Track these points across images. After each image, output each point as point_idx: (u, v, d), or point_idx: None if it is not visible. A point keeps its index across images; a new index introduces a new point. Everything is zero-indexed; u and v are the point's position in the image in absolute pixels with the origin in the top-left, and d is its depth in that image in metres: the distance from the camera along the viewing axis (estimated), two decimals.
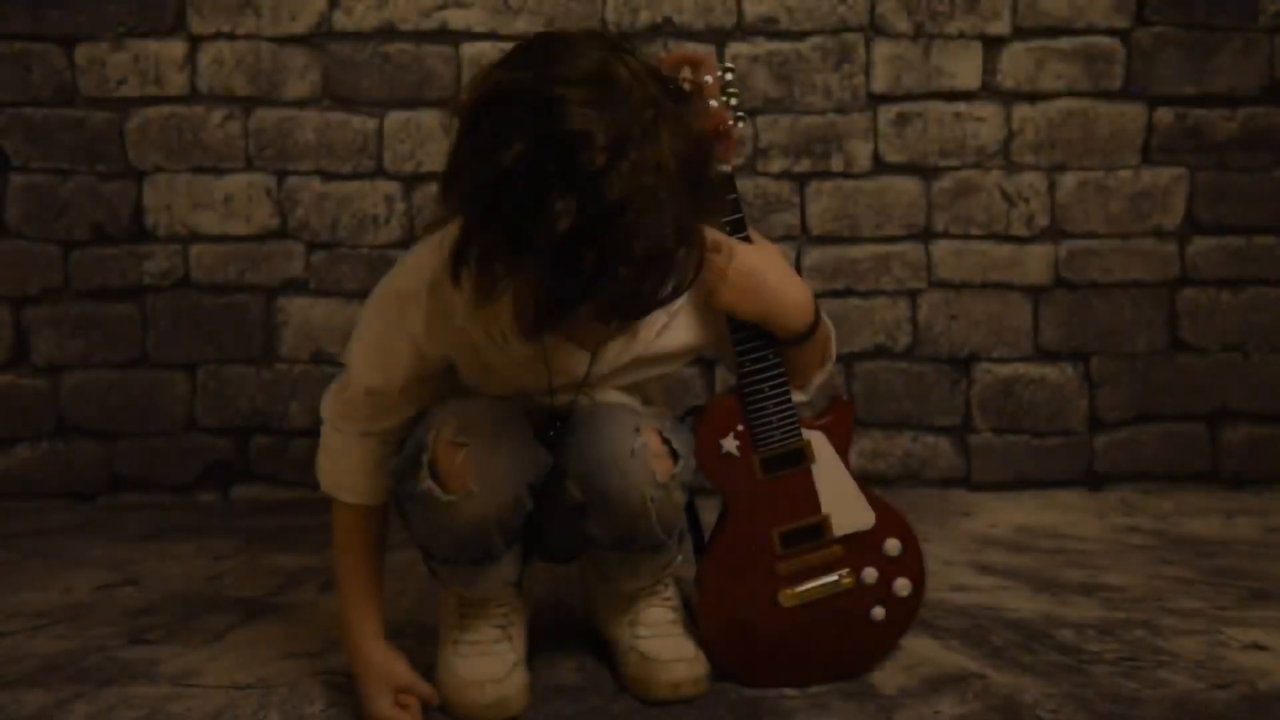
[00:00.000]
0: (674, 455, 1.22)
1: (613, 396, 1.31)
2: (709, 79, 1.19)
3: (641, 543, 1.24)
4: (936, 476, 2.28)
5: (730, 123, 1.21)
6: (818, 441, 1.29)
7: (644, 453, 1.20)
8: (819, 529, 1.28)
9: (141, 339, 2.23)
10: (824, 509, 1.29)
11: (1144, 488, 2.28)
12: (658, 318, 1.24)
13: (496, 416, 1.22)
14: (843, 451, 1.31)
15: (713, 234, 1.15)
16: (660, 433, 1.22)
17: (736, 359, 1.25)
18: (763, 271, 1.22)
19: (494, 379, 1.26)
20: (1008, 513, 2.12)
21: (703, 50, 1.20)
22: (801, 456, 1.28)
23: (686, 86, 1.15)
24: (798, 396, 1.30)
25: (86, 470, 2.24)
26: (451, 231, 1.04)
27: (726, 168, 1.23)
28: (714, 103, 1.19)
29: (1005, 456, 2.28)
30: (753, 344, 1.25)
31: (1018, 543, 1.91)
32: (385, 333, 1.23)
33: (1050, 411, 2.28)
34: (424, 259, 1.20)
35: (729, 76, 1.22)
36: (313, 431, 2.05)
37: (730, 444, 1.26)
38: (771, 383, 1.26)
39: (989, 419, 2.28)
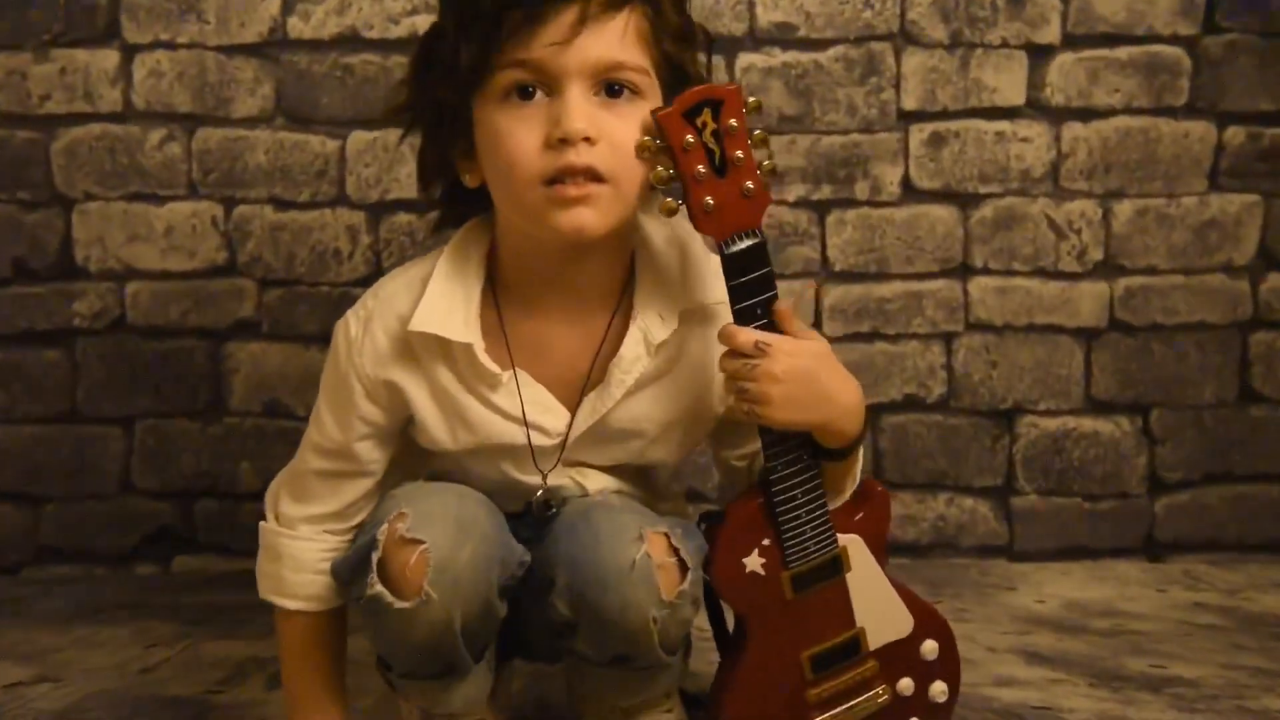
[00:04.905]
0: (682, 566, 1.16)
1: (610, 487, 1.28)
2: (734, 124, 1.10)
3: (640, 663, 1.20)
4: (975, 544, 2.23)
5: (762, 176, 1.13)
6: (853, 546, 1.23)
7: (647, 565, 1.14)
8: (854, 646, 1.24)
9: (71, 389, 2.18)
10: (858, 621, 1.23)
11: (1211, 558, 2.23)
12: (629, 366, 1.22)
13: (462, 507, 1.18)
14: (879, 550, 1.26)
15: (754, 334, 1.11)
16: (668, 538, 1.17)
17: (764, 461, 1.19)
18: (817, 374, 1.15)
19: (465, 436, 1.24)
20: (1056, 586, 2.08)
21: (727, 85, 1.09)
22: (837, 567, 1.22)
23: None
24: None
25: (8, 539, 2.19)
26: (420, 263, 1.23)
27: (757, 237, 1.13)
28: (739, 154, 1.11)
29: (1053, 522, 2.23)
30: (784, 443, 1.18)
31: (1069, 623, 1.86)
32: (335, 373, 1.26)
33: (1104, 471, 2.23)
34: (383, 284, 1.25)
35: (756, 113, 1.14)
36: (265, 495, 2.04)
37: (755, 562, 1.20)
38: (805, 487, 1.19)
39: (1034, 479, 2.23)
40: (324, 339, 2.09)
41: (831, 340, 1.21)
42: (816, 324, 2.16)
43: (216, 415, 2.18)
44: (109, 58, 2.14)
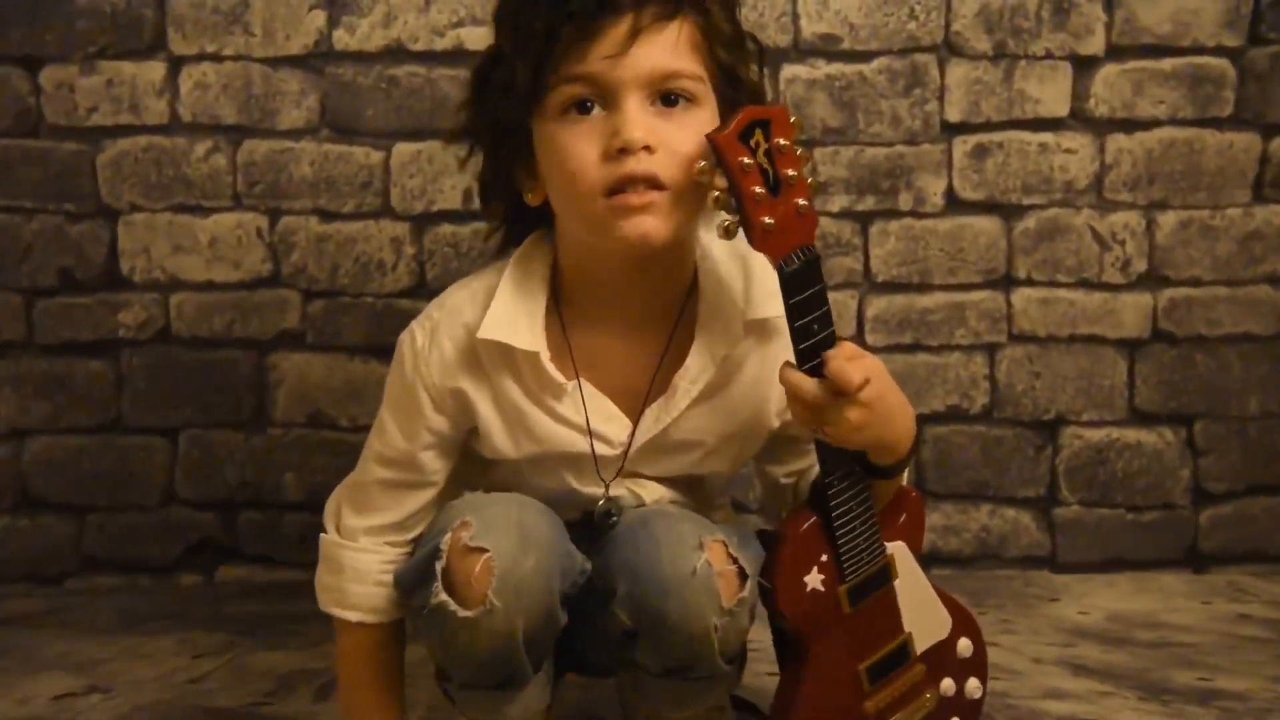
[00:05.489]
0: (741, 574, 1.16)
1: (665, 498, 1.29)
2: (784, 142, 1.10)
3: (698, 673, 1.19)
4: (1017, 555, 2.23)
5: (811, 194, 1.12)
6: (900, 553, 1.24)
7: (708, 573, 1.14)
8: (904, 652, 1.25)
9: (115, 400, 2.19)
10: (906, 626, 1.24)
11: (1256, 570, 2.22)
12: (695, 376, 1.23)
13: (524, 515, 1.18)
14: (916, 552, 1.27)
15: (852, 371, 1.09)
16: (727, 547, 1.16)
17: (821, 476, 1.19)
18: (886, 395, 1.15)
19: (529, 445, 1.25)
20: (1100, 597, 2.07)
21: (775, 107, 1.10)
22: (887, 575, 1.23)
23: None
24: None
25: (53, 550, 2.19)
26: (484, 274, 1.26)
27: (811, 254, 1.13)
28: (792, 172, 1.10)
29: (1096, 533, 2.22)
30: (840, 455, 1.18)
31: (1114, 635, 1.85)
32: (401, 382, 1.26)
33: (1148, 482, 2.22)
34: (447, 296, 1.27)
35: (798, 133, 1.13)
36: (309, 505, 2.08)
37: (815, 579, 1.20)
38: (859, 499, 1.19)
39: (1077, 490, 2.22)
40: (368, 350, 2.16)
41: (874, 352, 1.20)
42: (858, 334, 2.16)
43: (260, 426, 2.18)
44: (155, 70, 2.14)
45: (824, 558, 1.19)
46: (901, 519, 1.25)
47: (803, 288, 1.11)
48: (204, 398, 2.18)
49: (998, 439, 2.21)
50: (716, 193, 1.10)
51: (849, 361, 1.09)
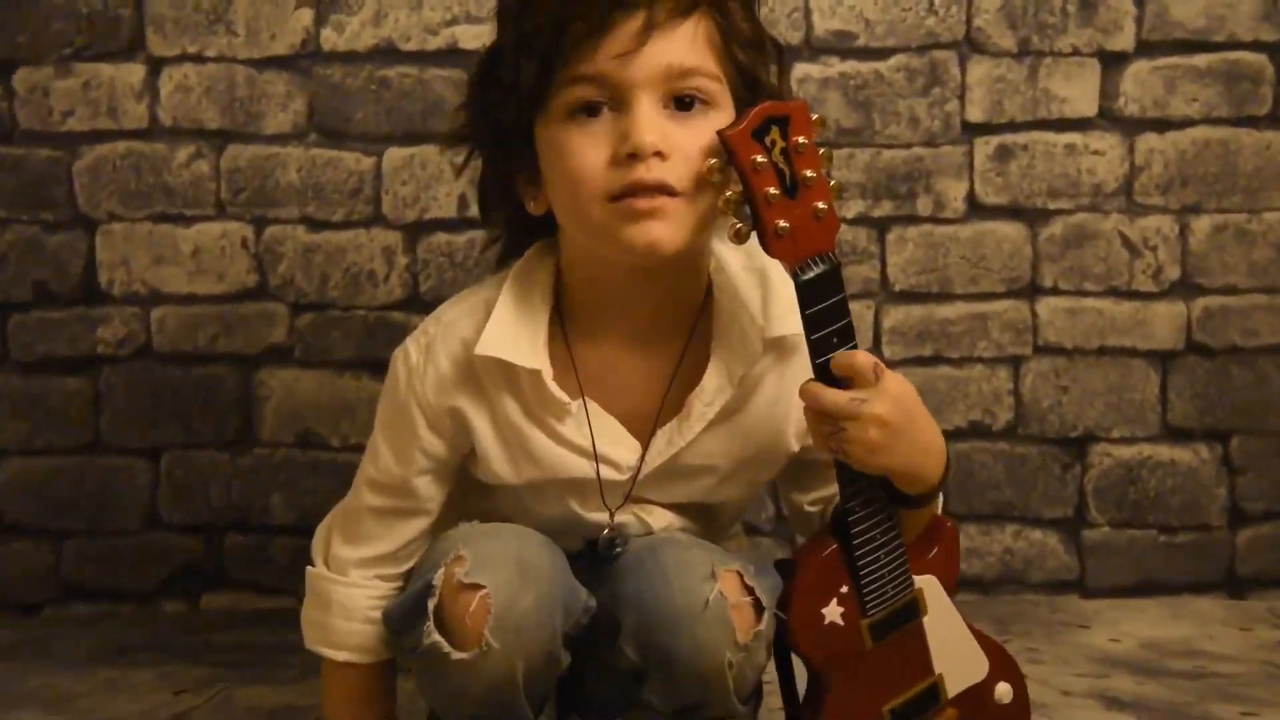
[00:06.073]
0: (757, 606, 1.15)
1: (675, 524, 1.27)
2: (802, 141, 1.06)
3: (711, 713, 1.17)
4: (1044, 579, 2.19)
5: (832, 196, 1.09)
6: (929, 587, 1.20)
7: (721, 605, 1.12)
8: (933, 694, 1.22)
9: (94, 419, 2.16)
10: (936, 667, 1.21)
11: None
12: (712, 397, 1.20)
13: (523, 548, 1.17)
14: (951, 589, 1.23)
15: (869, 358, 1.08)
16: (741, 576, 1.15)
17: (841, 502, 1.15)
18: (915, 417, 1.12)
19: (529, 470, 1.23)
20: (1132, 624, 2.03)
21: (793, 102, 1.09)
22: (915, 610, 1.19)
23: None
24: None
25: (29, 577, 2.17)
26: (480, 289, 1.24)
27: (831, 261, 1.09)
28: (810, 173, 1.07)
29: (1127, 556, 2.19)
30: (862, 481, 1.14)
31: (1148, 664, 1.82)
32: (394, 402, 1.25)
33: (1181, 502, 2.19)
34: (444, 310, 1.26)
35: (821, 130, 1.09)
36: (298, 529, 2.05)
37: (834, 612, 1.17)
38: (883, 527, 1.16)
39: (1107, 511, 2.19)
40: (359, 365, 2.13)
41: (892, 365, 1.20)
42: (875, 346, 2.13)
43: (246, 446, 2.16)
44: (134, 72, 2.11)
45: (844, 589, 1.16)
46: (934, 551, 1.22)
47: (821, 297, 1.07)
48: (187, 416, 2.16)
49: (1022, 457, 2.18)
50: (728, 194, 1.06)
51: (868, 356, 1.07)
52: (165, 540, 2.16)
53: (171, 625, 2.10)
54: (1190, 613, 2.09)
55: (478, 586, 1.10)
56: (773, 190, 1.05)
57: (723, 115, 1.12)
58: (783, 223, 1.05)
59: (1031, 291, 2.16)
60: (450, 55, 2.10)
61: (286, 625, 1.96)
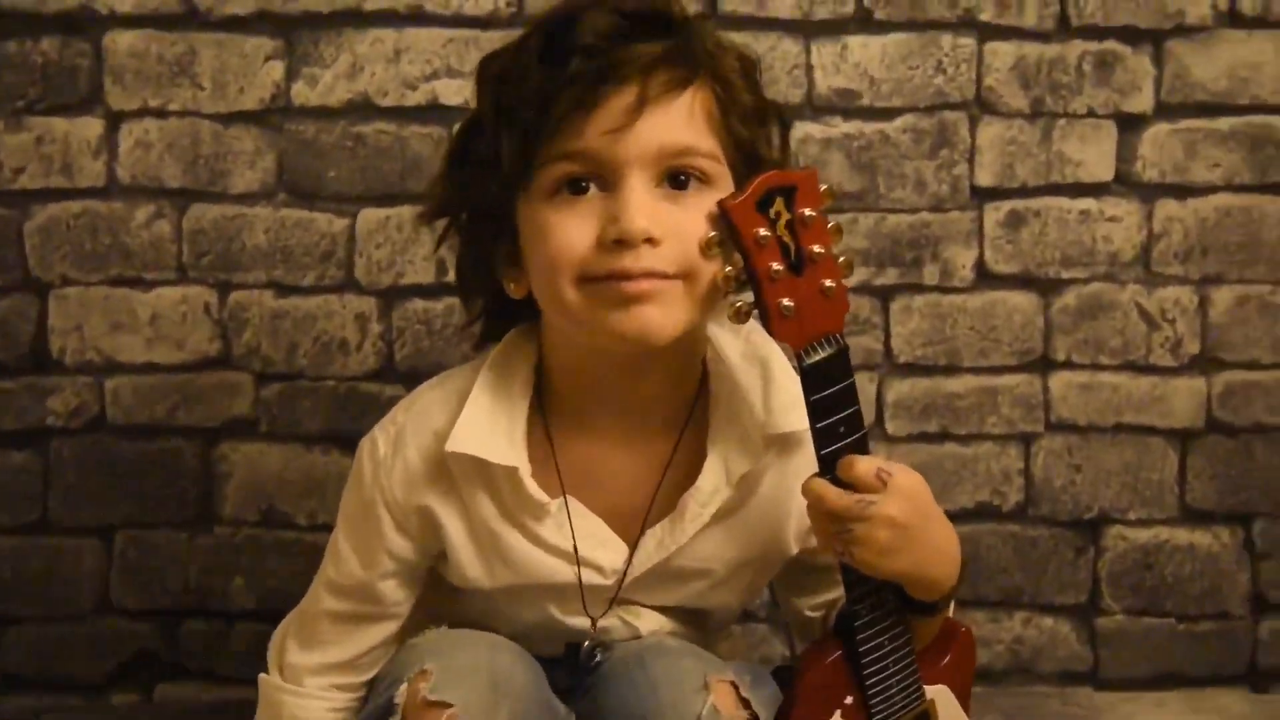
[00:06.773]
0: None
1: (664, 628, 1.24)
2: (809, 213, 1.01)
3: None
4: (1055, 670, 2.16)
5: (841, 272, 1.05)
6: (942, 699, 1.20)
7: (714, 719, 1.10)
8: None
9: (42, 496, 2.10)
10: None
11: None
12: (707, 498, 1.17)
13: (495, 660, 1.14)
14: (965, 700, 1.23)
15: (876, 461, 1.03)
16: (736, 688, 1.13)
17: (847, 605, 1.13)
18: (928, 517, 1.08)
19: (504, 574, 1.19)
20: (1148, 718, 2.04)
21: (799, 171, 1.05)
22: None
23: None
24: None
25: None
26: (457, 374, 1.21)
27: (838, 344, 1.05)
28: (818, 248, 1.02)
29: (1144, 645, 2.16)
30: (869, 583, 1.12)
31: None
32: (358, 498, 1.21)
33: (1201, 589, 2.15)
34: (416, 397, 1.22)
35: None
36: (261, 614, 1.98)
37: None
38: (892, 634, 1.13)
39: (1122, 597, 2.15)
40: (328, 439, 2.06)
41: (895, 441, 1.14)
42: (877, 422, 2.08)
43: (206, 525, 2.10)
44: (91, 127, 2.06)
45: (849, 700, 1.13)
46: (946, 659, 1.20)
47: (827, 383, 1.03)
48: (143, 493, 2.10)
49: (1033, 540, 2.15)
50: (728, 270, 1.01)
51: (871, 463, 1.01)
52: (117, 626, 2.11)
53: (123, 718, 2.06)
54: (1210, 707, 2.07)
55: (444, 705, 1.07)
56: (776, 266, 1.00)
57: (720, 193, 1.06)
58: (787, 301, 1.01)
59: (1044, 365, 2.13)
60: (431, 111, 2.06)
61: (246, 715, 1.89)
